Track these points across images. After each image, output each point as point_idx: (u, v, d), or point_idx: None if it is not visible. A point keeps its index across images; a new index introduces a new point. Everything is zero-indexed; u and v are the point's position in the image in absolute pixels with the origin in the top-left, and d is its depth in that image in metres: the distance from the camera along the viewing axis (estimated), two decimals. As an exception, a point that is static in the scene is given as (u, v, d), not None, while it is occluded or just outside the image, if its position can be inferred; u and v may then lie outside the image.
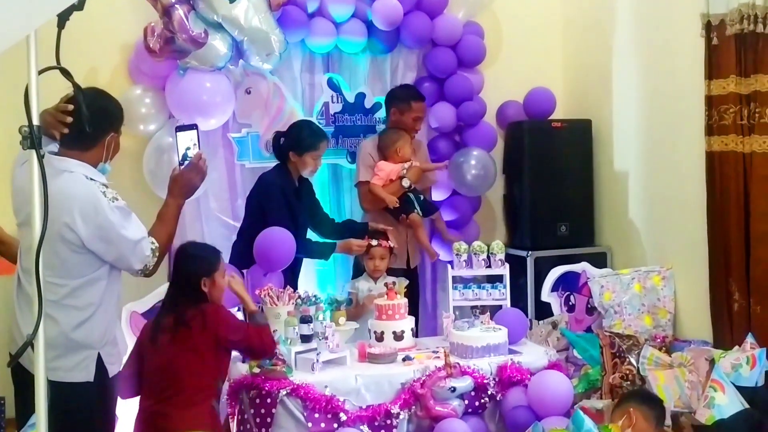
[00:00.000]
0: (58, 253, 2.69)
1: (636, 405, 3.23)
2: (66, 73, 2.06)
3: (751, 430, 2.61)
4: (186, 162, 3.11)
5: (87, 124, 2.40)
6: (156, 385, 3.18)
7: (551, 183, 5.32)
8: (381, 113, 5.19)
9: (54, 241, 2.64)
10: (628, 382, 4.04)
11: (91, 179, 2.78)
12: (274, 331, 3.88)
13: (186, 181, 3.08)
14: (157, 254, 2.92)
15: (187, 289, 3.27)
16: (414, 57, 5.32)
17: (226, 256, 4.72)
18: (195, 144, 3.11)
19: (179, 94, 4.49)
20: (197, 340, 3.17)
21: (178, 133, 3.13)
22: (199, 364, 3.18)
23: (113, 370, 2.92)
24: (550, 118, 5.49)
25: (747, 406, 2.65)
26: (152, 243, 2.91)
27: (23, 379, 2.65)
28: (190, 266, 3.30)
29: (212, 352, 3.22)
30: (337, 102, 5.09)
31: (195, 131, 3.14)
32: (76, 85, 2.22)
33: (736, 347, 3.58)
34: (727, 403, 2.60)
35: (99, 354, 2.85)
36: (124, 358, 3.10)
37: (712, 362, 3.23)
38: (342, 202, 5.28)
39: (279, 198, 4.38)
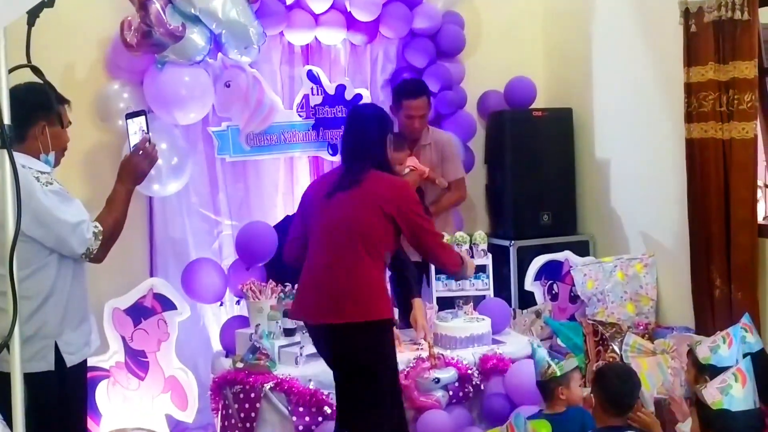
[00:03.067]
0: (2, 244, 2.66)
1: (605, 401, 3.14)
2: (37, 71, 2.04)
3: (755, 430, 2.60)
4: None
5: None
6: (329, 239, 3.25)
7: (533, 172, 5.32)
8: (361, 105, 5.17)
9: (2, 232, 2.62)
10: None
11: (28, 167, 2.74)
12: (257, 326, 3.89)
13: (133, 166, 3.03)
14: (101, 238, 2.87)
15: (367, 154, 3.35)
16: (393, 47, 5.30)
17: (209, 252, 4.77)
18: (143, 130, 3.06)
19: (157, 88, 4.45)
20: (374, 202, 3.22)
21: (128, 120, 3.08)
22: (372, 224, 3.21)
23: (71, 360, 2.87)
24: (531, 107, 5.48)
25: (758, 405, 2.63)
26: (95, 227, 2.87)
27: None
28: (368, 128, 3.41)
29: (384, 220, 3.23)
30: (318, 94, 5.06)
31: (144, 117, 3.08)
32: (47, 83, 2.18)
33: (718, 333, 3.60)
34: (742, 398, 2.55)
35: (56, 343, 2.83)
36: (93, 348, 3.05)
37: (690, 351, 3.23)
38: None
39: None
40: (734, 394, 2.56)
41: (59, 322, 2.84)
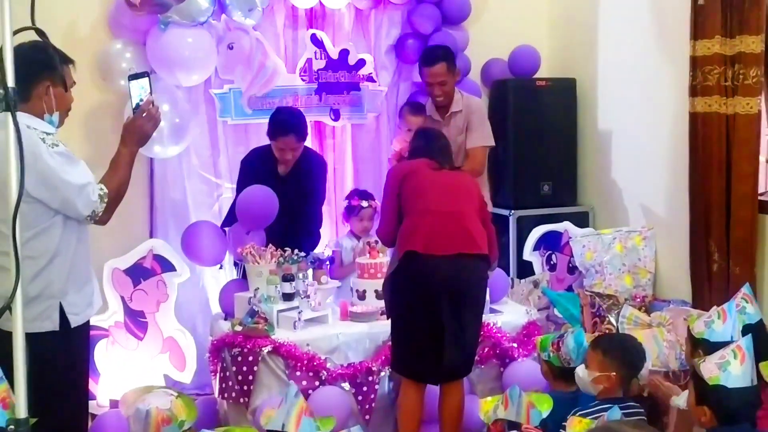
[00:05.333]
0: (10, 205, 2.66)
1: (620, 370, 3.18)
2: (41, 34, 2.02)
3: (747, 406, 2.60)
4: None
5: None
6: (443, 197, 3.63)
7: (534, 142, 5.30)
8: (365, 70, 5.14)
9: (5, 192, 2.62)
10: (615, 334, 4.08)
11: (33, 128, 2.73)
12: (256, 290, 3.90)
13: (137, 128, 3.01)
14: (105, 200, 2.88)
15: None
16: (398, 13, 5.25)
17: (209, 215, 4.77)
18: (147, 91, 3.05)
19: (160, 49, 4.42)
20: (470, 182, 3.83)
21: (131, 82, 3.05)
22: (474, 195, 3.76)
23: (75, 320, 2.90)
24: (535, 76, 5.46)
25: (754, 383, 2.64)
26: (101, 189, 2.87)
27: None
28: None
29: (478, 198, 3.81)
30: (321, 58, 5.03)
31: (147, 78, 3.07)
32: (50, 46, 2.16)
33: (714, 307, 3.62)
34: (740, 375, 2.55)
35: (60, 304, 2.85)
36: (95, 308, 3.07)
37: (688, 328, 3.25)
38: (326, 159, 5.25)
39: (250, 181, 4.28)
40: (732, 370, 2.55)
41: (64, 282, 2.85)
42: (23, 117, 2.70)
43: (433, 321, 3.52)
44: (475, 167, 4.64)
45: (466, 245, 3.55)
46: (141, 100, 3.04)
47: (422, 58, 4.81)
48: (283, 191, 4.24)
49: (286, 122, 4.33)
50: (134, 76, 3.08)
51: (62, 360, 2.87)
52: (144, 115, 3.02)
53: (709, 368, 2.59)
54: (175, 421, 2.83)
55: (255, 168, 4.40)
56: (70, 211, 2.83)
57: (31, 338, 2.65)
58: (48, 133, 2.78)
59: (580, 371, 3.23)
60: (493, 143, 4.81)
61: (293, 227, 4.41)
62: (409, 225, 3.61)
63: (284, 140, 4.29)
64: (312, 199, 4.54)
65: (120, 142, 3.04)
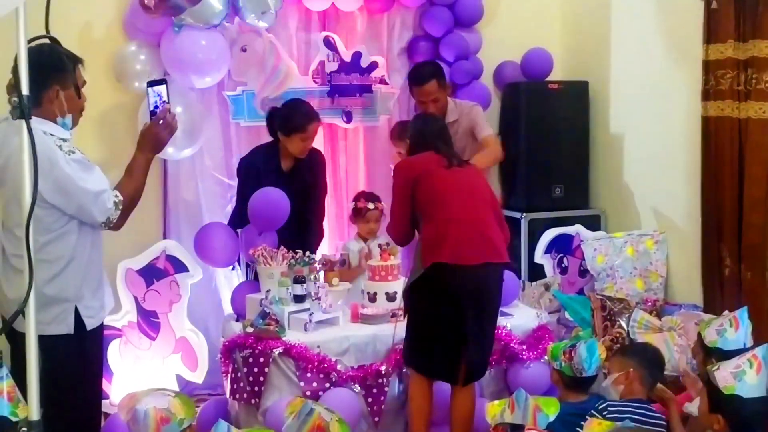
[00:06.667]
0: (24, 209, 2.69)
1: (638, 366, 3.28)
2: (55, 42, 2.04)
3: (761, 416, 2.60)
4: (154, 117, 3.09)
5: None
6: (464, 203, 3.62)
7: (546, 145, 5.29)
8: (377, 72, 5.16)
9: (20, 197, 2.65)
10: (618, 345, 4.09)
11: (50, 134, 2.77)
12: (267, 291, 3.92)
13: (153, 135, 3.06)
14: (120, 207, 2.92)
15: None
16: (411, 16, 5.26)
17: (221, 216, 4.80)
18: (164, 98, 3.09)
19: (174, 51, 4.45)
20: (483, 180, 3.88)
21: (149, 88, 3.10)
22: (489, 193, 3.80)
23: (90, 323, 2.94)
24: (547, 79, 5.45)
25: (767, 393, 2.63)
26: (116, 196, 2.91)
27: (12, 336, 2.71)
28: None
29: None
30: (333, 61, 5.05)
31: (165, 86, 3.11)
32: (59, 48, 2.17)
33: (725, 312, 3.62)
34: (755, 385, 2.52)
35: (76, 307, 2.88)
36: (107, 311, 3.11)
37: (699, 336, 3.24)
38: (338, 161, 5.28)
39: (253, 181, 4.31)
40: (747, 380, 2.53)
41: (79, 286, 2.89)
42: (40, 123, 2.74)
43: (458, 327, 3.54)
44: (497, 154, 4.84)
45: (492, 255, 3.58)
46: (158, 106, 3.07)
47: (412, 78, 4.83)
48: (288, 187, 4.27)
49: (310, 111, 4.43)
50: (152, 83, 3.12)
51: (77, 362, 2.91)
52: (160, 122, 3.06)
53: (725, 377, 2.57)
54: (174, 419, 2.86)
55: (257, 167, 4.43)
56: (86, 217, 2.86)
57: (46, 341, 2.71)
58: (64, 140, 2.82)
59: (604, 382, 3.27)
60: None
61: (301, 222, 4.45)
62: (432, 234, 3.58)
63: (312, 127, 4.36)
64: (316, 192, 4.60)
65: (136, 148, 3.08)
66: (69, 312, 2.87)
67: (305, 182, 4.49)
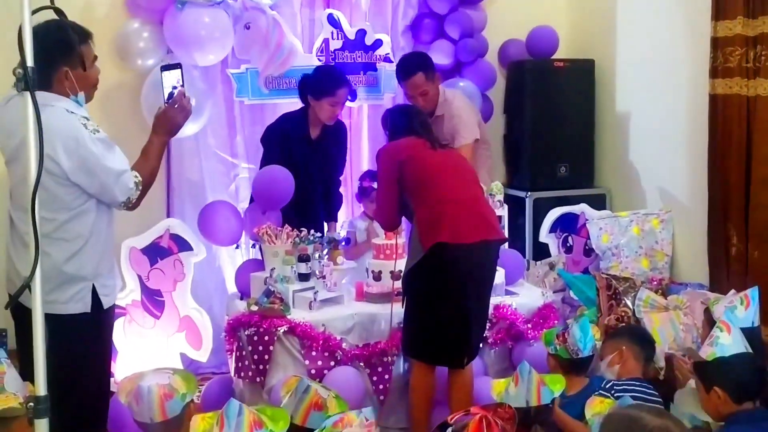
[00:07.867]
0: (45, 187, 2.67)
1: (628, 343, 3.36)
2: (59, 13, 2.01)
3: (751, 372, 2.64)
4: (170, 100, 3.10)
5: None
6: (455, 183, 3.61)
7: (552, 123, 5.27)
8: (382, 50, 5.12)
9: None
10: (624, 324, 4.08)
11: (72, 112, 2.77)
12: (272, 270, 3.91)
13: (169, 119, 3.07)
14: (140, 188, 2.94)
15: None
16: (415, -7, 5.23)
17: (225, 194, 4.78)
18: (180, 83, 3.10)
19: (177, 28, 4.42)
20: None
21: (163, 72, 3.12)
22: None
23: (107, 302, 2.96)
24: (553, 57, 5.41)
25: (750, 350, 2.68)
26: (135, 176, 2.92)
27: (21, 313, 2.68)
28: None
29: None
30: (338, 39, 5.01)
31: (179, 70, 3.12)
32: (66, 25, 2.15)
33: (732, 291, 3.60)
34: (731, 344, 2.65)
35: (93, 285, 2.90)
36: (119, 289, 3.13)
37: (707, 310, 3.25)
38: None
39: (281, 148, 4.33)
40: (723, 342, 2.65)
41: (96, 264, 2.91)
42: (60, 101, 2.75)
43: (461, 307, 3.52)
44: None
45: (489, 232, 3.57)
46: (173, 88, 3.08)
47: (398, 71, 4.74)
48: (314, 156, 4.36)
49: (341, 75, 4.47)
50: (166, 67, 3.13)
51: (92, 340, 2.93)
52: (176, 106, 3.06)
53: (704, 349, 2.71)
54: (177, 394, 2.88)
55: (287, 133, 4.41)
56: (106, 196, 2.87)
57: (65, 320, 2.72)
58: (87, 119, 2.82)
59: (601, 368, 3.29)
60: (477, 135, 4.74)
61: (326, 191, 4.55)
62: (427, 215, 3.55)
63: (341, 92, 4.37)
64: (340, 161, 4.68)
65: (152, 131, 3.09)
66: (87, 290, 2.88)
67: (329, 150, 4.54)
